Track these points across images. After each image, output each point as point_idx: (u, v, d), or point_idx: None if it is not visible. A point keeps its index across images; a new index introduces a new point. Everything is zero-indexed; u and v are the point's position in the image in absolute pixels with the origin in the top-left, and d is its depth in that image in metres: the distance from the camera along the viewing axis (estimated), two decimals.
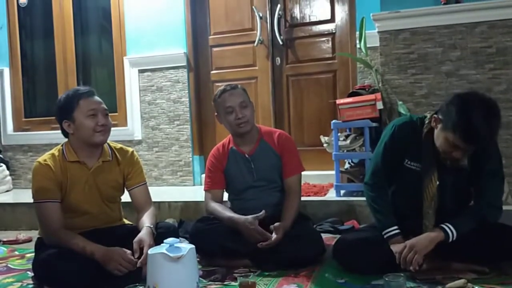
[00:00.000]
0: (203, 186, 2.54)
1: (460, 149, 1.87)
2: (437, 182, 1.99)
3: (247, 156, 2.44)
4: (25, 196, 3.68)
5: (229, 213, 2.32)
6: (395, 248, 1.96)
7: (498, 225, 2.03)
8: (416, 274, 1.92)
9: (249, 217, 2.22)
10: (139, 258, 1.95)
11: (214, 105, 2.47)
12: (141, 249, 1.97)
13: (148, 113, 4.20)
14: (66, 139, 2.22)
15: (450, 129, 1.84)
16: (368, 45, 3.35)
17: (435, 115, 1.96)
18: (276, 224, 2.22)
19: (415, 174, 2.04)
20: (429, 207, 2.01)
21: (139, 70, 4.19)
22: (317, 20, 3.91)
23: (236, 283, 1.92)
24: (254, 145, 2.46)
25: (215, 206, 2.39)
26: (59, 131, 2.22)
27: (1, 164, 4.34)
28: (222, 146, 2.52)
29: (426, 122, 2.02)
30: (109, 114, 2.22)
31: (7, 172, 4.37)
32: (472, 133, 1.80)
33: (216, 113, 2.49)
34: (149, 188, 2.36)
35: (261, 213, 2.23)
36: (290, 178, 2.42)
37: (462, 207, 2.07)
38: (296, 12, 3.97)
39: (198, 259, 2.04)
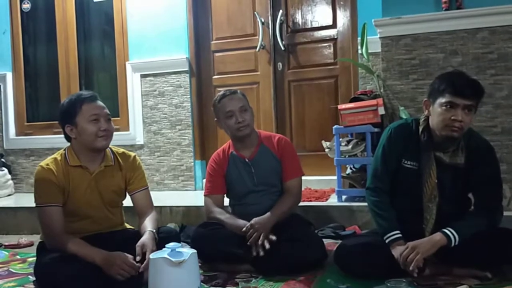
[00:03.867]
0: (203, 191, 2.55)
1: (457, 109, 1.92)
2: (436, 180, 2.01)
3: (247, 160, 2.45)
4: (27, 200, 3.68)
5: (232, 218, 2.32)
6: (396, 251, 1.95)
7: (499, 229, 2.04)
8: (418, 280, 1.92)
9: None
10: (141, 262, 1.95)
11: (214, 111, 2.49)
12: (144, 254, 1.97)
13: (150, 118, 4.20)
14: (69, 144, 2.23)
15: (439, 95, 1.96)
16: (369, 51, 3.35)
17: (424, 99, 2.06)
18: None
19: (413, 173, 2.07)
20: (430, 200, 2.03)
21: (141, 75, 4.20)
22: (319, 25, 3.92)
23: None
24: (254, 150, 2.46)
25: (217, 211, 2.40)
26: (62, 136, 2.23)
27: (3, 168, 4.34)
28: (222, 151, 2.53)
29: (422, 120, 2.09)
30: (111, 119, 2.22)
31: (9, 176, 4.37)
32: (458, 84, 1.93)
33: (215, 119, 2.50)
34: (151, 192, 2.36)
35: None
36: (289, 182, 2.43)
37: (462, 210, 2.08)
38: (298, 17, 3.98)
39: (199, 264, 2.03)
